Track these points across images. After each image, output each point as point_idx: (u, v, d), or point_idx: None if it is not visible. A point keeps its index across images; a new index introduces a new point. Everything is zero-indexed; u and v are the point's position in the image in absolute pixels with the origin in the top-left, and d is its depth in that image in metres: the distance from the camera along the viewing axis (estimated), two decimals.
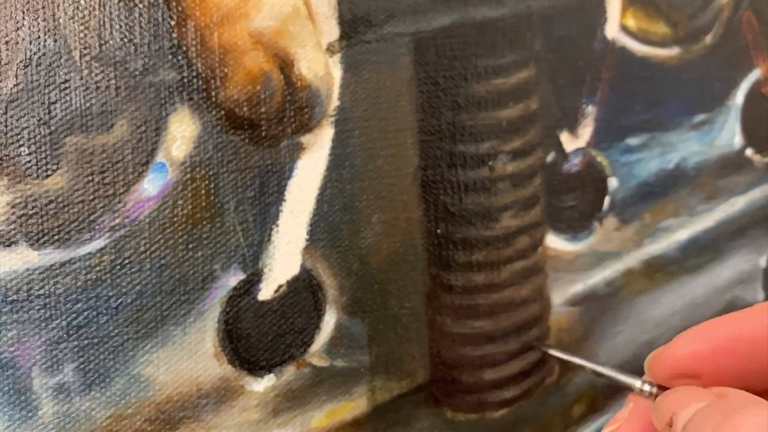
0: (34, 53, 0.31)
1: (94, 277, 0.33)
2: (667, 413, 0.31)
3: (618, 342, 0.48)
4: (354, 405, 0.39)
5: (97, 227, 0.32)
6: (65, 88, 0.31)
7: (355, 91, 0.37)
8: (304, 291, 0.37)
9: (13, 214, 0.31)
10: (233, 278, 0.35)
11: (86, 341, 0.33)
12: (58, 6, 0.31)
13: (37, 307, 0.32)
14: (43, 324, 0.32)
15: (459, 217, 0.40)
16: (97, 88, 0.32)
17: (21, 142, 0.31)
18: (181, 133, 0.34)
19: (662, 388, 0.33)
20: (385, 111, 0.38)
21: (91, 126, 0.32)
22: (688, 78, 0.49)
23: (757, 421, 0.28)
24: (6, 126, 0.31)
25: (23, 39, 0.31)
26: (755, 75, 0.52)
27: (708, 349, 0.32)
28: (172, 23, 0.33)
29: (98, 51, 0.32)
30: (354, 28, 0.37)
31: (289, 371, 0.37)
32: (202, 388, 0.35)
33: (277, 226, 0.36)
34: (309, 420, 0.38)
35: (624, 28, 0.46)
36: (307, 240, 0.37)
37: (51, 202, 0.31)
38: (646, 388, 0.34)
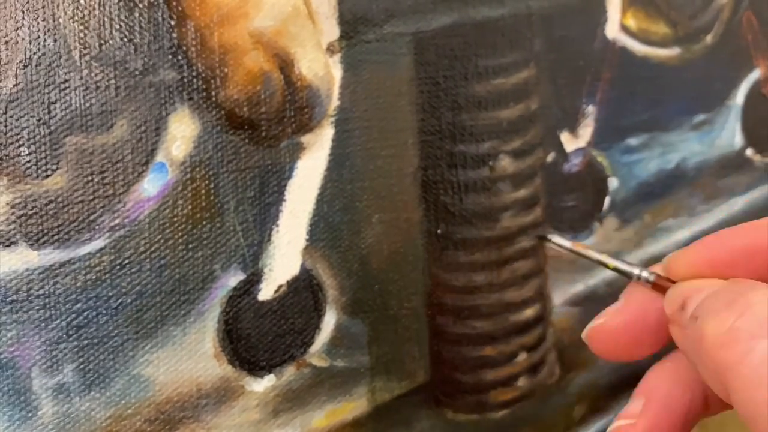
0: (34, 53, 0.31)
1: (94, 277, 0.32)
2: (679, 298, 0.31)
3: None
4: (354, 405, 0.39)
5: (96, 227, 0.32)
6: (65, 88, 0.31)
7: (356, 91, 0.37)
8: (304, 291, 0.37)
9: (13, 214, 0.31)
10: (233, 278, 0.35)
11: (86, 341, 0.33)
12: (58, 6, 0.31)
13: (36, 307, 0.32)
14: (43, 324, 0.32)
15: (459, 218, 0.40)
16: (97, 88, 0.32)
17: (21, 142, 0.31)
18: (181, 132, 0.33)
19: (662, 278, 0.33)
20: (386, 111, 0.38)
21: (90, 126, 0.32)
22: (688, 78, 0.49)
23: None
24: (6, 126, 0.31)
25: (23, 39, 0.30)
26: (755, 75, 0.52)
27: (725, 257, 0.32)
28: (172, 23, 0.33)
29: (98, 51, 0.32)
30: (354, 28, 0.37)
31: (289, 371, 0.37)
32: (202, 389, 0.35)
33: (277, 226, 0.36)
34: (309, 420, 0.38)
35: (624, 28, 0.46)
36: (307, 240, 0.37)
37: (51, 202, 0.31)
38: (645, 275, 0.34)
